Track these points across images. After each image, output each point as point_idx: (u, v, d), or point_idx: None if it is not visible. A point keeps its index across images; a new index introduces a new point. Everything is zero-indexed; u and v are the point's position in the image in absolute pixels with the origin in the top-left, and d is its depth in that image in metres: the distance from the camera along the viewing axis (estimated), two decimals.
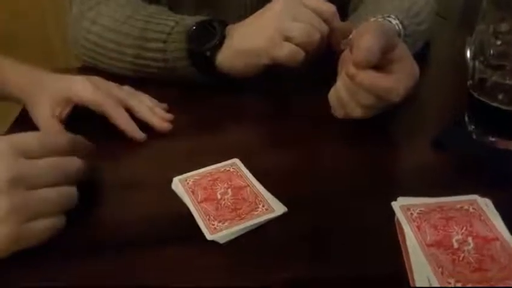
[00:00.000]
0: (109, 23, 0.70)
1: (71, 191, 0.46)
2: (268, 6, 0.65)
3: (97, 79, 0.62)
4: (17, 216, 0.41)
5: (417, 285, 0.39)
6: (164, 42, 0.67)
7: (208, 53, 0.65)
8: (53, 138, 0.47)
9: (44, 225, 0.43)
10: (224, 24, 0.66)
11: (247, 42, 0.64)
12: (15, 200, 0.41)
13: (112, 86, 0.63)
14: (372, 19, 0.66)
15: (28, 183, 0.42)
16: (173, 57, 0.67)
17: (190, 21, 0.67)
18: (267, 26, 0.63)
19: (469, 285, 0.38)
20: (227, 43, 0.65)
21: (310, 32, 0.62)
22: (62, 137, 0.49)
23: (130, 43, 0.69)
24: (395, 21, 0.66)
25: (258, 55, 0.63)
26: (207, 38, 0.65)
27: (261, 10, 0.65)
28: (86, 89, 0.60)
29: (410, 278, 0.40)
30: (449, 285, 0.38)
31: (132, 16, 0.70)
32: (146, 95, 0.65)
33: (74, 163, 0.47)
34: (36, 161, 0.44)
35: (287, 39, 0.62)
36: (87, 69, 0.75)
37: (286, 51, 0.62)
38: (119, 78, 0.67)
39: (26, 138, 0.45)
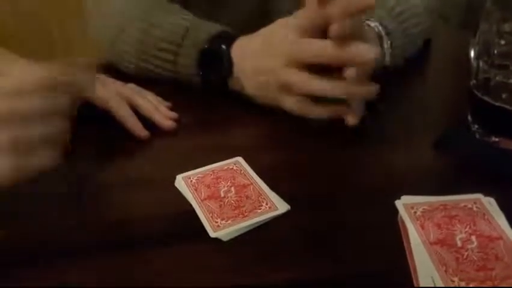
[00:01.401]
0: (121, 22, 0.70)
1: (61, 125, 0.46)
2: (275, 33, 0.61)
3: (102, 76, 0.63)
4: (12, 149, 0.42)
5: (421, 284, 0.39)
6: (176, 54, 0.67)
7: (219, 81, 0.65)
8: (40, 76, 0.47)
9: (39, 158, 0.44)
10: (230, 42, 0.64)
11: (257, 86, 0.63)
12: (9, 134, 0.42)
13: (117, 84, 0.63)
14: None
15: (20, 119, 0.43)
16: (184, 74, 0.67)
17: (198, 39, 0.65)
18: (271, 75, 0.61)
19: (473, 284, 0.38)
20: (237, 75, 0.64)
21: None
22: (47, 74, 0.48)
23: (139, 47, 0.69)
24: (373, 24, 0.66)
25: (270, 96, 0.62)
26: (215, 64, 0.65)
27: (268, 35, 0.62)
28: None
29: (413, 276, 0.40)
30: (453, 284, 0.38)
31: (143, 16, 0.69)
32: (151, 93, 0.65)
33: (60, 99, 0.47)
34: (26, 98, 0.45)
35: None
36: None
37: (291, 105, 0.60)
38: (124, 77, 0.67)
39: (15, 77, 0.47)
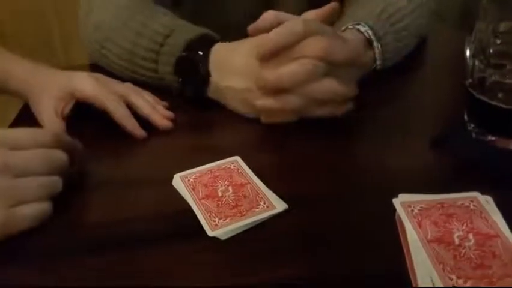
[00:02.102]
0: (108, 31, 0.70)
1: (55, 180, 0.48)
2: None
3: (99, 76, 0.63)
4: (3, 200, 0.44)
5: (418, 281, 0.39)
6: (155, 62, 0.67)
7: (196, 89, 0.65)
8: (38, 133, 0.50)
9: (29, 211, 0.45)
10: (209, 47, 0.64)
11: (230, 100, 0.64)
12: (1, 185, 0.44)
13: (114, 83, 0.63)
14: (342, 28, 0.67)
15: (14, 172, 0.45)
16: (167, 82, 0.67)
17: (176, 45, 0.65)
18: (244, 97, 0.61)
19: (470, 282, 0.38)
20: (213, 86, 0.64)
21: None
22: (47, 132, 0.52)
23: (126, 57, 0.69)
24: (364, 29, 0.67)
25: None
26: (192, 71, 0.64)
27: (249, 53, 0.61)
28: (88, 85, 0.60)
29: (411, 274, 0.40)
30: (451, 281, 0.38)
31: (127, 23, 0.69)
32: (148, 92, 0.65)
33: (58, 155, 0.49)
34: (23, 151, 0.47)
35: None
36: (90, 67, 0.75)
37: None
38: (119, 76, 0.67)
39: (14, 131, 0.50)
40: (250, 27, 0.62)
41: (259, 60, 0.58)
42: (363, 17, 0.68)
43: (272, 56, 0.58)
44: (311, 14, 0.61)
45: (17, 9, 1.56)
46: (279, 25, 0.58)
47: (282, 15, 0.61)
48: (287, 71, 0.57)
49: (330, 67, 0.57)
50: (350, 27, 0.67)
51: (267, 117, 0.61)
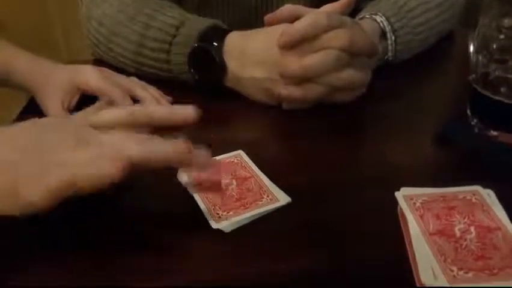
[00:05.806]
0: (113, 26, 0.71)
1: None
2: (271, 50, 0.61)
3: (104, 69, 0.63)
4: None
5: (420, 273, 0.39)
6: (167, 52, 0.67)
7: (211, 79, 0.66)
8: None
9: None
10: (222, 37, 0.64)
11: (250, 89, 0.65)
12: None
13: (119, 76, 0.64)
14: (360, 16, 0.69)
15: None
16: (178, 73, 0.67)
17: (189, 36, 0.66)
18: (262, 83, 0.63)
19: (471, 273, 0.38)
20: (231, 76, 0.64)
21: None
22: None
23: (133, 49, 0.69)
24: (380, 19, 0.68)
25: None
26: (207, 62, 0.65)
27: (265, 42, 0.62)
28: (93, 77, 0.61)
29: (412, 266, 0.40)
30: (452, 273, 0.38)
31: (134, 17, 0.69)
32: (153, 87, 0.65)
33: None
34: None
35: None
36: (93, 63, 0.75)
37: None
38: (124, 72, 0.67)
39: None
40: (267, 17, 0.64)
41: (280, 48, 0.60)
42: (383, 7, 0.69)
43: (293, 45, 0.59)
44: (330, 7, 0.63)
45: (18, 3, 1.56)
46: (297, 17, 0.60)
47: (301, 8, 0.63)
48: (313, 61, 0.58)
49: (351, 57, 0.59)
50: (367, 16, 0.68)
51: (288, 104, 0.63)
